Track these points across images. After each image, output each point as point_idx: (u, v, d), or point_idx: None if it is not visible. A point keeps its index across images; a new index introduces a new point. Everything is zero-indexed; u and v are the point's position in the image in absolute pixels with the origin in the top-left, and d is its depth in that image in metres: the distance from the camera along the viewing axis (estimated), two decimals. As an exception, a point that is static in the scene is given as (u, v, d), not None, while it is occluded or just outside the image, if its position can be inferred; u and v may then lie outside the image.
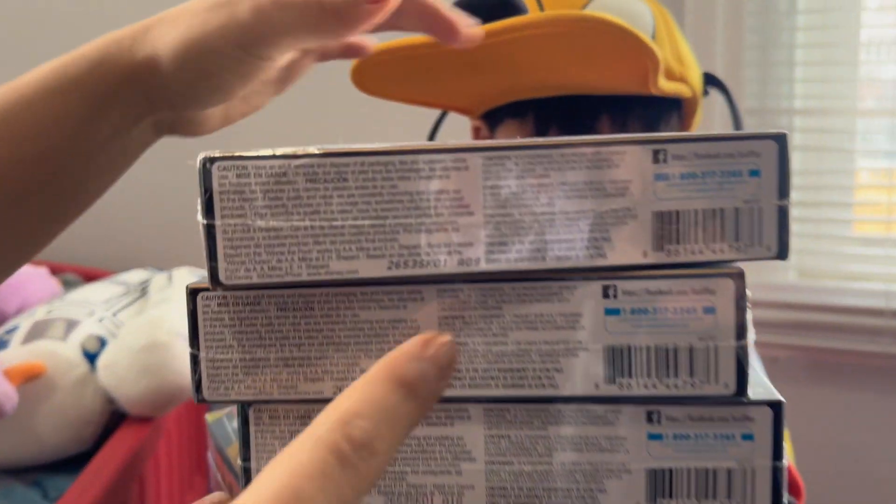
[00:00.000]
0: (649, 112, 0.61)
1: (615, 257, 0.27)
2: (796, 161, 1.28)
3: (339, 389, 0.28)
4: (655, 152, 0.27)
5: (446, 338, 0.23)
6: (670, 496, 0.28)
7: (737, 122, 0.68)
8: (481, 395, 0.28)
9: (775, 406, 0.28)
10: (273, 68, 0.39)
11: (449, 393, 0.28)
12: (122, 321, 1.09)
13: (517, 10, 0.56)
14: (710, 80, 0.68)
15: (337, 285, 0.28)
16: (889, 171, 1.27)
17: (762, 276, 1.30)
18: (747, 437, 0.28)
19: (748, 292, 0.28)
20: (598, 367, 0.28)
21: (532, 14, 0.57)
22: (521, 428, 0.29)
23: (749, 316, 0.28)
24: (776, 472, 0.28)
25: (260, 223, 0.27)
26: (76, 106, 0.35)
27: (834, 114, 1.26)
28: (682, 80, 0.60)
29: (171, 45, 0.34)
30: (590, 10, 0.55)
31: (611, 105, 0.59)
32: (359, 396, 0.21)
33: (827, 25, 1.25)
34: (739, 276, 0.27)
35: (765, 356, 1.30)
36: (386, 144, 0.28)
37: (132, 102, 0.36)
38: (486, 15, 0.54)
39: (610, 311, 0.28)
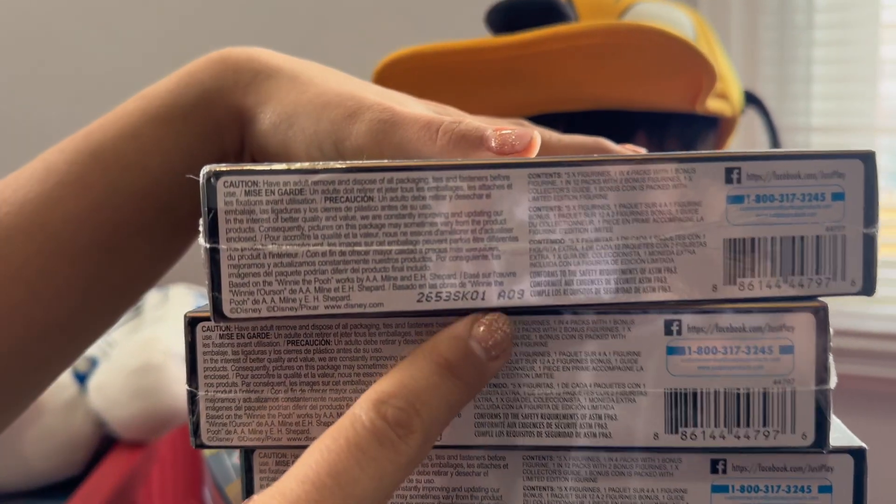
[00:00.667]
0: (687, 130, 0.57)
1: (680, 291, 0.24)
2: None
3: None
4: (729, 171, 0.23)
5: (497, 315, 0.23)
6: None
7: (776, 144, 0.64)
8: (521, 444, 0.25)
9: (857, 454, 0.25)
10: None
11: (483, 441, 0.25)
12: (115, 340, 1.05)
13: (563, 17, 0.52)
14: (750, 99, 0.64)
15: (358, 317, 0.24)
16: (908, 190, 1.23)
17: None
18: (825, 489, 0.25)
19: (831, 330, 0.24)
20: (659, 415, 0.24)
21: (581, 22, 0.53)
22: (565, 479, 0.25)
23: (831, 359, 0.24)
24: None
25: (271, 248, 0.23)
26: (185, 139, 0.32)
27: (852, 131, 1.22)
28: (723, 97, 0.57)
29: (278, 112, 0.31)
30: (629, 19, 0.52)
31: (648, 121, 0.56)
32: (396, 378, 0.22)
33: (845, 41, 1.22)
34: (822, 311, 0.24)
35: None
36: (417, 160, 0.24)
37: (233, 140, 0.33)
38: (529, 20, 0.51)
39: (673, 351, 0.24)
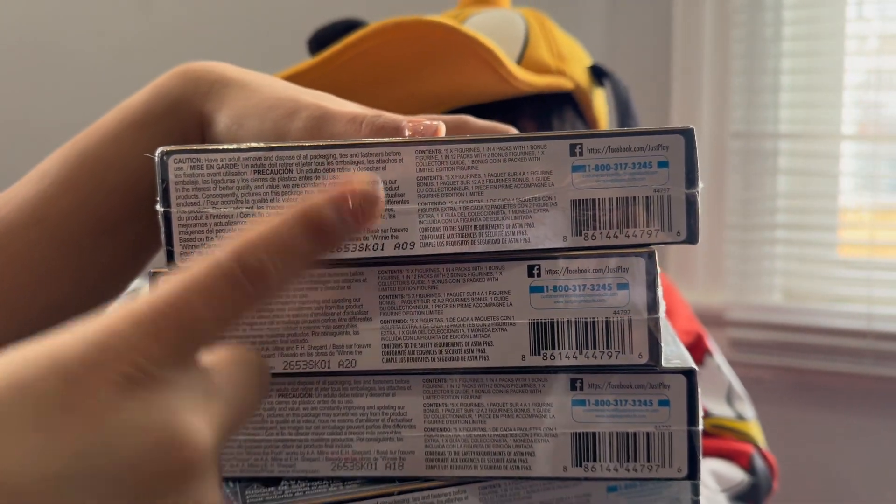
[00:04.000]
0: (539, 109, 0.64)
1: (538, 241, 0.30)
2: (782, 184, 1.31)
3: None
4: (573, 146, 0.30)
5: (366, 187, 0.24)
6: (594, 459, 0.31)
7: (622, 112, 0.69)
8: (419, 368, 0.31)
9: (689, 374, 0.31)
10: None
11: (390, 366, 0.31)
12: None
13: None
14: (598, 72, 0.70)
15: None
16: (872, 194, 1.29)
17: (748, 297, 1.32)
18: (664, 402, 0.31)
19: (659, 269, 0.30)
20: (525, 340, 0.30)
21: (364, 28, 0.59)
22: (456, 396, 0.31)
23: (660, 292, 0.30)
24: (692, 437, 0.31)
25: (212, 210, 0.30)
26: (158, 140, 0.37)
27: (818, 138, 1.28)
28: (559, 73, 0.64)
29: (230, 116, 0.37)
30: (465, 27, 0.59)
31: (499, 110, 0.62)
32: (262, 229, 0.23)
33: (812, 52, 1.28)
34: (650, 256, 0.30)
35: (751, 377, 1.32)
36: (327, 141, 0.31)
37: (196, 140, 0.39)
38: (335, 40, 0.58)
39: (535, 289, 0.30)
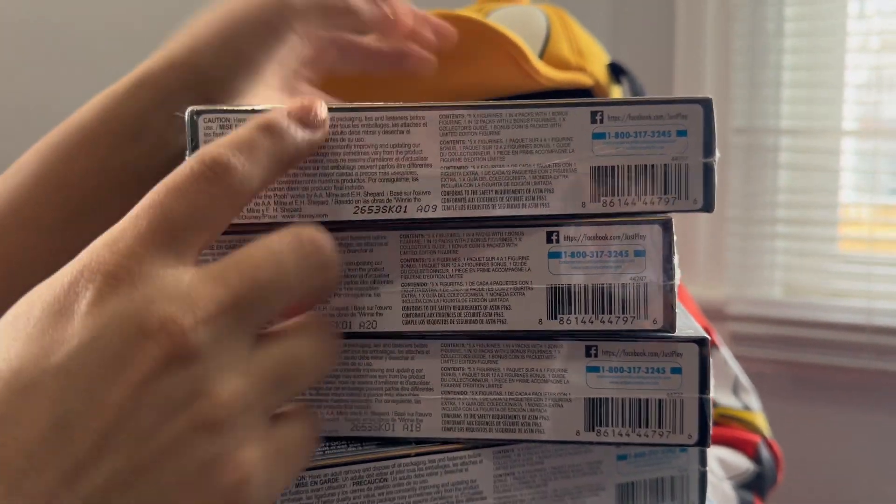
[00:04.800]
0: None
1: (557, 207, 0.31)
2: (783, 179, 1.32)
3: None
4: (593, 113, 0.30)
5: (311, 108, 0.29)
6: (606, 424, 0.32)
7: None
8: (438, 331, 0.32)
9: (701, 342, 0.31)
10: (304, 47, 0.41)
11: (409, 328, 0.32)
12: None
13: None
14: (616, 69, 0.72)
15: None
16: (872, 191, 1.30)
17: (748, 292, 1.33)
18: (676, 370, 0.31)
19: (675, 237, 0.31)
20: (542, 305, 0.31)
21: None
22: (473, 361, 0.32)
23: (676, 260, 0.31)
24: (703, 404, 0.31)
25: None
26: (159, 99, 0.38)
27: (819, 134, 1.29)
28: (579, 69, 0.64)
29: (208, 35, 0.38)
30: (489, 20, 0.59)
31: None
32: (225, 138, 0.26)
33: (813, 48, 1.29)
34: (668, 223, 0.31)
35: (751, 371, 1.32)
36: (352, 104, 0.31)
37: (190, 98, 0.39)
38: None
39: (553, 255, 0.31)
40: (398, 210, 0.31)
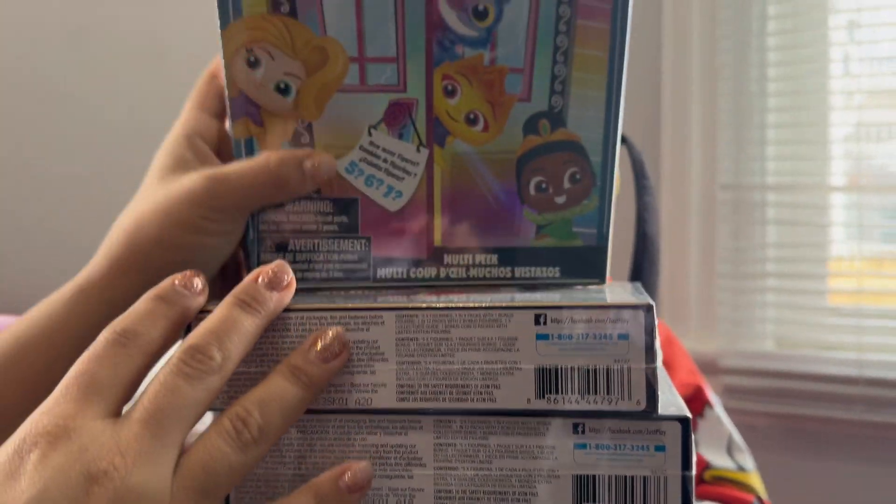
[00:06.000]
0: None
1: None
2: (771, 235, 1.34)
3: None
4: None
5: (281, 272, 0.33)
6: (593, 500, 0.33)
7: (637, 172, 0.73)
8: (431, 408, 0.33)
9: (683, 421, 0.33)
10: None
11: (403, 405, 0.33)
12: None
13: None
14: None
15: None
16: (859, 243, 1.32)
17: (741, 345, 1.34)
18: (660, 448, 0.33)
19: (657, 321, 0.32)
20: (530, 385, 0.33)
21: None
22: (465, 437, 0.33)
23: (657, 343, 0.32)
24: (685, 481, 0.33)
25: None
26: (104, 310, 0.38)
27: (806, 189, 1.32)
28: None
29: (150, 231, 0.38)
30: None
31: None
32: (203, 325, 0.32)
33: (796, 107, 1.32)
34: (648, 310, 0.32)
35: (744, 423, 1.33)
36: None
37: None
38: None
39: (541, 337, 0.33)
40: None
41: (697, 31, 1.34)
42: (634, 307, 0.32)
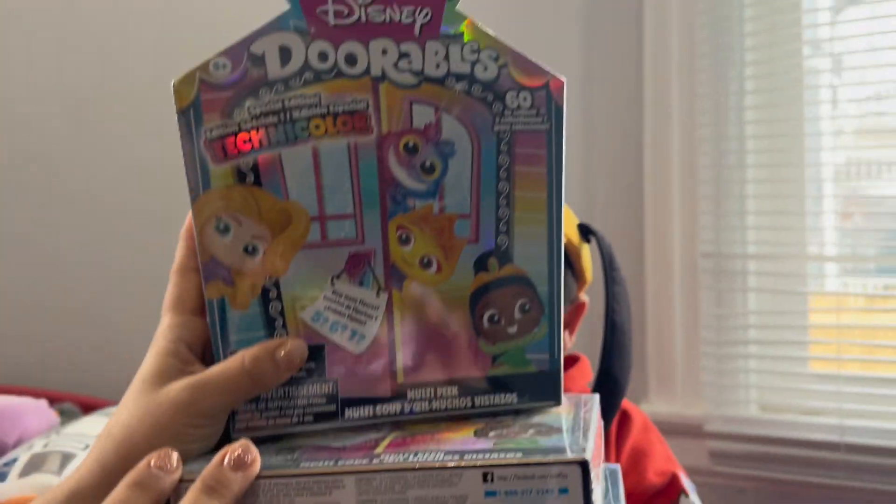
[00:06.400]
0: None
1: None
2: (752, 302, 1.38)
3: None
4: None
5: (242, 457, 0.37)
6: None
7: (606, 263, 0.83)
8: None
9: (582, 465, 0.35)
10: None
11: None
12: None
13: None
14: (585, 230, 0.85)
15: None
16: (838, 310, 1.35)
17: (725, 410, 1.37)
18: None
19: (593, 474, 0.36)
20: None
21: None
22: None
23: (595, 494, 0.35)
24: None
25: None
26: None
27: (785, 258, 1.36)
28: None
29: (141, 435, 0.41)
30: None
31: None
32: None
33: (775, 179, 1.36)
34: (584, 465, 0.35)
35: (733, 487, 1.35)
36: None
37: None
38: None
39: (489, 493, 0.36)
40: None
41: (677, 105, 1.39)
42: (571, 463, 0.35)
